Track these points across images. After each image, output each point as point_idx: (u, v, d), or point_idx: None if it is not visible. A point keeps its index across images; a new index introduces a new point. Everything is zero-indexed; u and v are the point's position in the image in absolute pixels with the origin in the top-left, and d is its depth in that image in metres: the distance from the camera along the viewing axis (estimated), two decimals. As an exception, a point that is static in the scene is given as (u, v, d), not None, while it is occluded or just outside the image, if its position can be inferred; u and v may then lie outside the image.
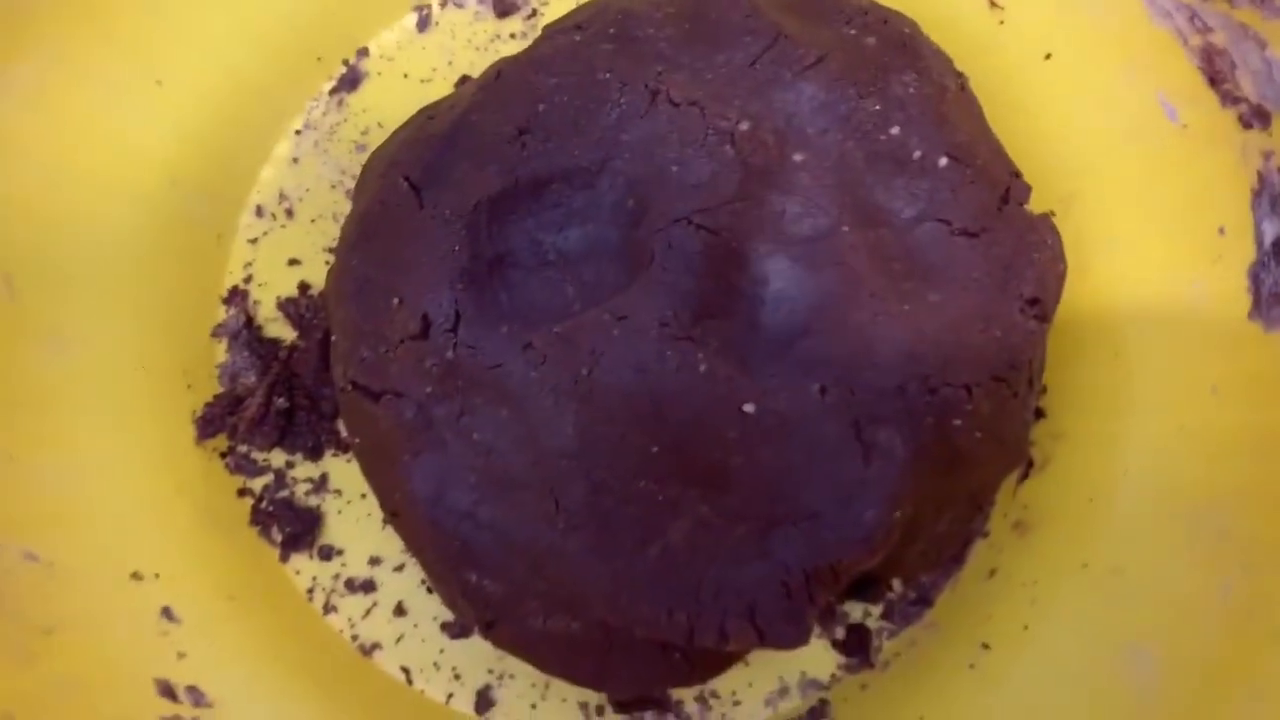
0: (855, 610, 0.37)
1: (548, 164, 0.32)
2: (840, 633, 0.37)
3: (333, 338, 0.34)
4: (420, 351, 0.32)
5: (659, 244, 0.31)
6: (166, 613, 0.34)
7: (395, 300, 0.32)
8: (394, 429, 0.32)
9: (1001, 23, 0.38)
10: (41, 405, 0.34)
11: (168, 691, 0.32)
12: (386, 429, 0.33)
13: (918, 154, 0.33)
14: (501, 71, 0.34)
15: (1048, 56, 0.37)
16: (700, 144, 0.32)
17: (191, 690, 0.33)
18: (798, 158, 0.32)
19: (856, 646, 0.36)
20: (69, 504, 0.33)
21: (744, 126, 0.32)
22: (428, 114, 0.35)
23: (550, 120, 0.32)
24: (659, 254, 0.31)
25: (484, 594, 0.32)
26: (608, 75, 0.32)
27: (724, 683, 0.36)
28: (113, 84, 0.36)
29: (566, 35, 0.34)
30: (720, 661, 0.34)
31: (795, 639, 0.31)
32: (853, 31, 0.34)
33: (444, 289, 0.32)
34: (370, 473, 0.34)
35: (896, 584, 0.37)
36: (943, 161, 0.33)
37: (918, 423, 0.30)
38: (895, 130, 0.33)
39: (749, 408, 0.30)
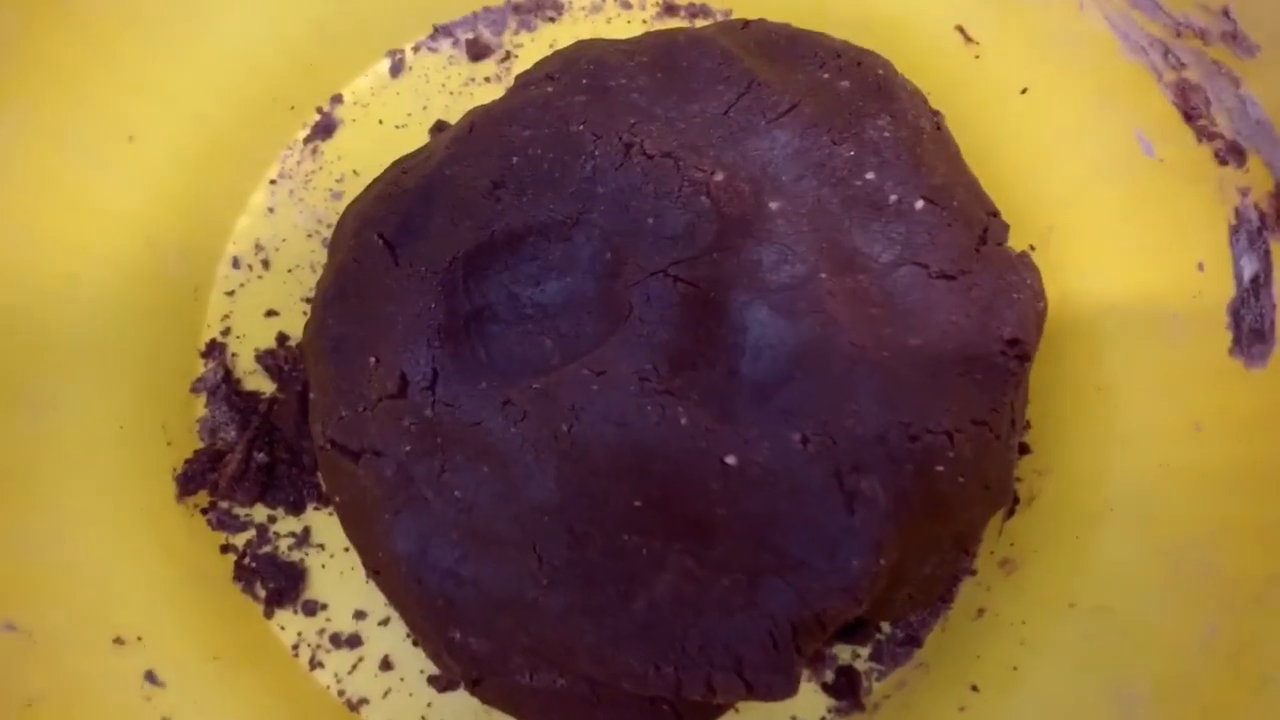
0: (844, 652, 0.37)
1: (523, 218, 0.32)
2: (829, 675, 0.36)
3: (311, 395, 0.34)
4: (398, 410, 0.32)
5: (637, 297, 0.31)
6: (150, 677, 0.33)
7: (372, 359, 0.32)
8: (374, 487, 0.32)
9: (977, 57, 0.38)
10: (20, 471, 0.33)
11: (153, 758, 0.32)
12: (367, 487, 0.32)
13: (894, 198, 0.32)
14: (474, 124, 0.34)
15: (1024, 91, 0.37)
16: (676, 195, 0.32)
17: (177, 756, 0.32)
18: (774, 205, 0.32)
19: (846, 689, 0.36)
20: (49, 571, 0.33)
21: (719, 177, 0.32)
22: (401, 168, 0.34)
23: (524, 173, 0.32)
24: (637, 307, 0.31)
25: (469, 651, 0.32)
26: (581, 127, 0.32)
27: (714, 730, 0.36)
28: (84, 145, 0.36)
29: (539, 86, 0.33)
30: (709, 712, 0.34)
31: (784, 690, 0.31)
32: (826, 75, 0.34)
33: (421, 347, 0.32)
34: (351, 530, 0.34)
35: (885, 625, 0.37)
36: (919, 204, 0.32)
37: (899, 470, 0.30)
38: (870, 175, 0.32)
39: (731, 459, 0.30)
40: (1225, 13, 0.31)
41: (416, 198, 0.33)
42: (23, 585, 0.32)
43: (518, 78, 0.35)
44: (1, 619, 0.31)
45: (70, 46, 0.35)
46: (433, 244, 0.32)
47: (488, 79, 0.41)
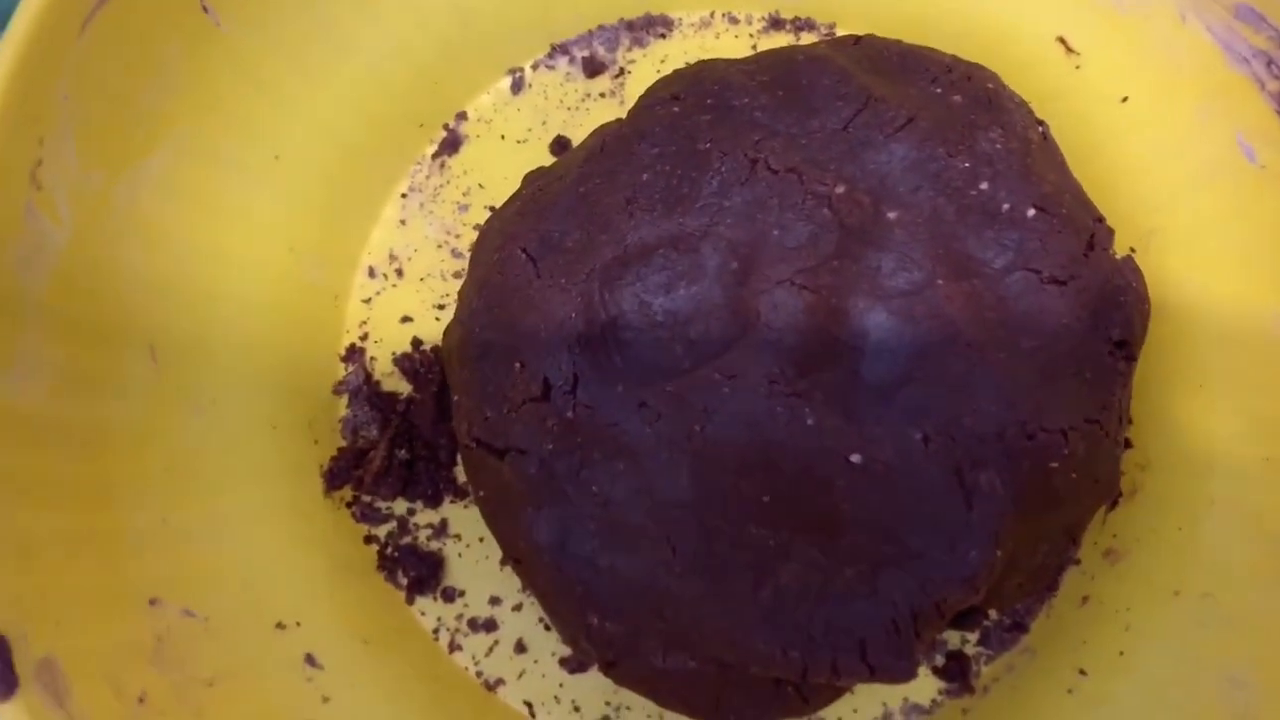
0: (953, 637, 0.38)
1: (654, 231, 0.34)
2: (940, 659, 0.38)
3: (455, 397, 0.36)
4: (542, 412, 0.34)
5: (764, 304, 0.33)
6: (310, 659, 0.36)
7: (517, 365, 0.34)
8: (517, 482, 0.34)
9: (1078, 67, 0.39)
10: (188, 468, 0.36)
11: (318, 734, 0.35)
12: (510, 482, 0.35)
13: (1006, 206, 0.34)
14: (605, 142, 0.36)
15: (1124, 99, 0.38)
16: (799, 208, 0.33)
17: (338, 732, 0.35)
18: (892, 215, 0.34)
19: (956, 672, 0.38)
20: (216, 561, 0.36)
21: (840, 190, 0.33)
22: (539, 185, 0.37)
23: (655, 189, 0.34)
24: (764, 314, 0.33)
25: (606, 635, 0.34)
26: (708, 145, 0.34)
27: (831, 710, 0.38)
28: (236, 163, 0.38)
29: (665, 106, 0.35)
30: (831, 693, 0.36)
31: (905, 674, 0.32)
32: (939, 90, 0.35)
33: (562, 354, 0.34)
34: (494, 522, 0.36)
35: (993, 612, 0.38)
36: (1030, 213, 0.34)
37: (1017, 466, 0.32)
38: (984, 185, 0.34)
39: (855, 458, 0.32)
40: (1331, 25, 0.32)
41: (556, 214, 0.35)
42: (194, 574, 0.35)
43: (641, 98, 0.37)
44: (181, 606, 0.34)
45: (224, 73, 0.37)
46: (571, 257, 0.34)
47: (603, 94, 0.43)
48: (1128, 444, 0.38)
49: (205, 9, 0.35)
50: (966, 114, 0.35)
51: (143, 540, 0.34)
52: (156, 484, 0.35)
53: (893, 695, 0.38)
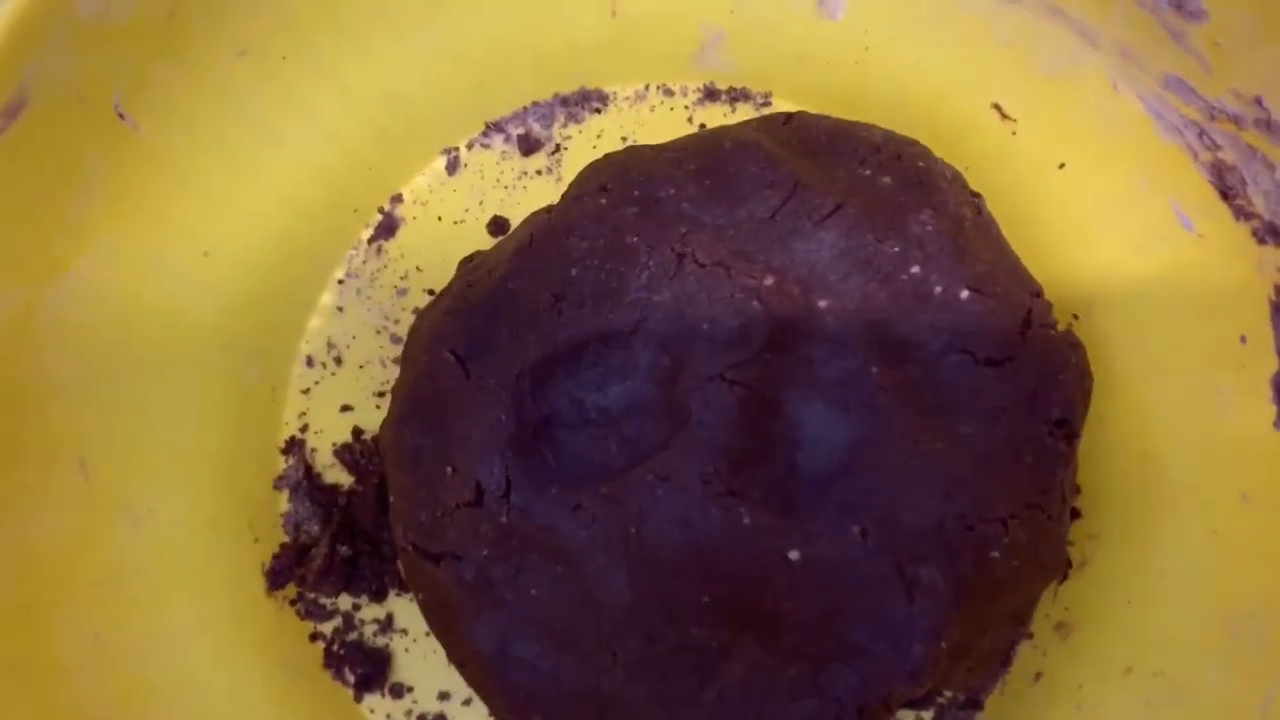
0: (907, 717, 0.38)
1: (584, 328, 0.34)
2: (895, 740, 0.38)
3: (391, 499, 0.36)
4: (475, 517, 0.33)
5: (695, 401, 0.32)
6: (252, 770, 0.36)
7: (449, 469, 0.34)
8: (455, 588, 0.34)
9: (1014, 134, 0.39)
10: (122, 582, 0.35)
11: None
12: (448, 588, 0.34)
13: (939, 289, 0.33)
14: (534, 236, 0.35)
15: (1061, 165, 0.38)
16: (728, 301, 0.33)
17: (283, 845, 0.35)
18: (823, 304, 0.33)
19: (911, 754, 0.38)
20: (155, 678, 0.35)
21: (769, 281, 0.33)
22: (466, 280, 0.36)
23: (584, 285, 0.34)
24: (695, 411, 0.32)
25: (552, 739, 0.34)
26: (635, 239, 0.34)
27: (786, 798, 0.37)
28: (164, 264, 0.37)
29: (593, 198, 0.35)
30: (781, 790, 0.35)
31: (852, 772, 0.32)
32: (868, 171, 0.35)
33: (494, 457, 0.33)
34: (435, 625, 0.36)
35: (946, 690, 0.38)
36: (964, 294, 0.33)
37: (956, 558, 0.32)
38: (915, 269, 0.33)
39: (794, 554, 0.32)
40: (1258, 101, 0.32)
41: (484, 313, 0.34)
42: (131, 694, 0.34)
43: (570, 186, 0.36)
44: (112, 729, 0.33)
45: (146, 175, 0.36)
46: (500, 357, 0.34)
47: (539, 172, 0.43)
48: (1076, 514, 0.38)
49: (121, 115, 0.34)
50: (896, 196, 0.34)
51: (74, 663, 0.33)
52: (87, 602, 0.34)
53: (848, 779, 0.37)
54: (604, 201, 0.35)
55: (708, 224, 0.34)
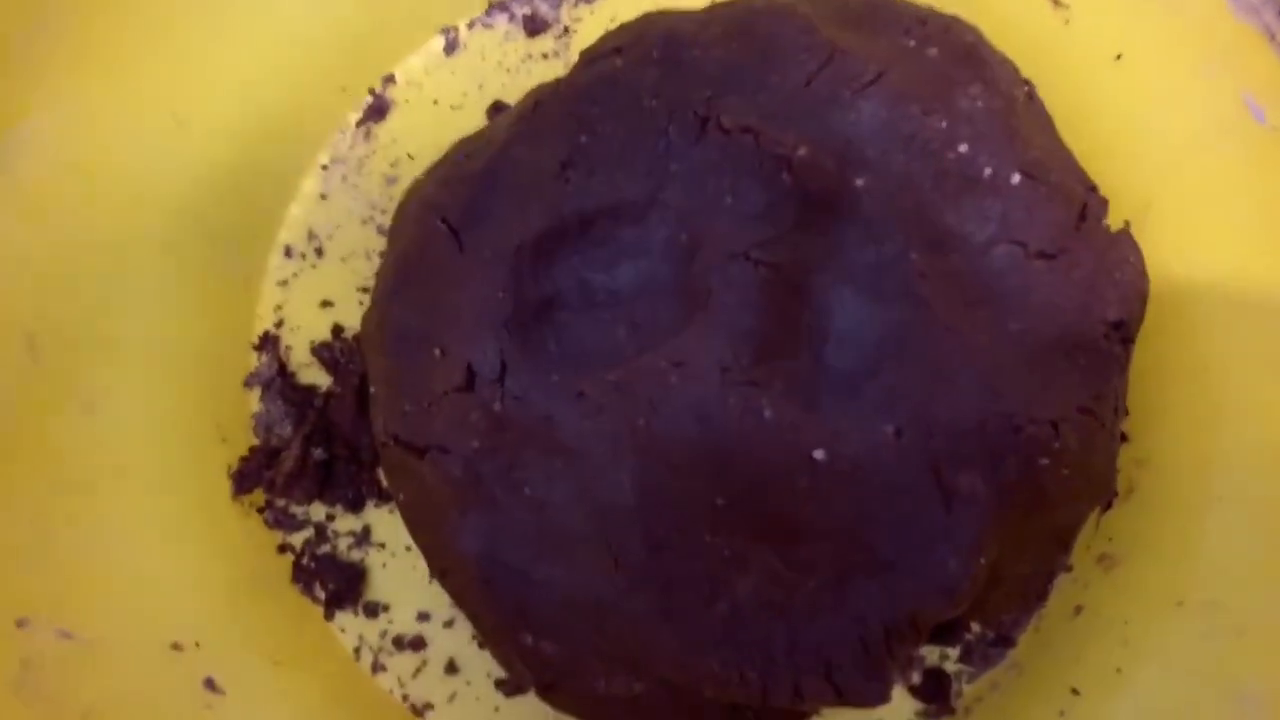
0: (932, 653, 0.35)
1: (594, 199, 0.30)
2: (916, 678, 0.35)
3: (371, 389, 0.33)
4: (465, 404, 0.30)
5: (715, 281, 0.29)
6: (209, 684, 0.32)
7: (437, 351, 0.30)
8: (440, 485, 0.31)
9: (1067, 22, 0.36)
10: (71, 473, 0.32)
11: (215, 769, 0.31)
12: (432, 485, 0.31)
13: (988, 172, 0.30)
14: (540, 102, 0.32)
15: (1118, 57, 0.35)
16: (755, 173, 0.30)
17: (239, 766, 0.31)
18: (860, 182, 0.30)
19: (935, 692, 0.35)
20: (103, 575, 0.32)
21: (801, 152, 0.30)
22: (464, 150, 0.33)
23: (594, 152, 0.31)
24: (716, 292, 0.29)
25: (541, 655, 0.31)
26: (654, 102, 0.31)
27: (796, 736, 0.34)
28: (132, 129, 0.34)
29: (606, 60, 0.32)
30: (793, 718, 0.32)
31: (876, 697, 0.30)
32: (912, 43, 0.32)
33: (488, 337, 0.30)
34: (416, 530, 0.33)
35: (975, 624, 0.35)
36: (1015, 179, 0.30)
37: (1001, 463, 0.29)
38: (963, 148, 0.30)
39: (819, 454, 0.29)
40: (1351, -35, 0.29)
41: (481, 181, 0.31)
42: (77, 591, 0.31)
43: (582, 53, 0.33)
44: (55, 626, 0.30)
45: (120, 27, 0.33)
46: (499, 229, 0.31)
47: (545, 55, 0.39)
48: (1124, 437, 0.35)
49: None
50: (943, 68, 0.31)
51: (11, 551, 0.30)
52: (29, 491, 0.31)
53: (865, 718, 0.34)
54: (619, 63, 0.32)
55: (735, 88, 0.31)
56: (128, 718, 0.30)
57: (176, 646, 0.32)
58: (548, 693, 0.32)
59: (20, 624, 0.29)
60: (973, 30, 0.33)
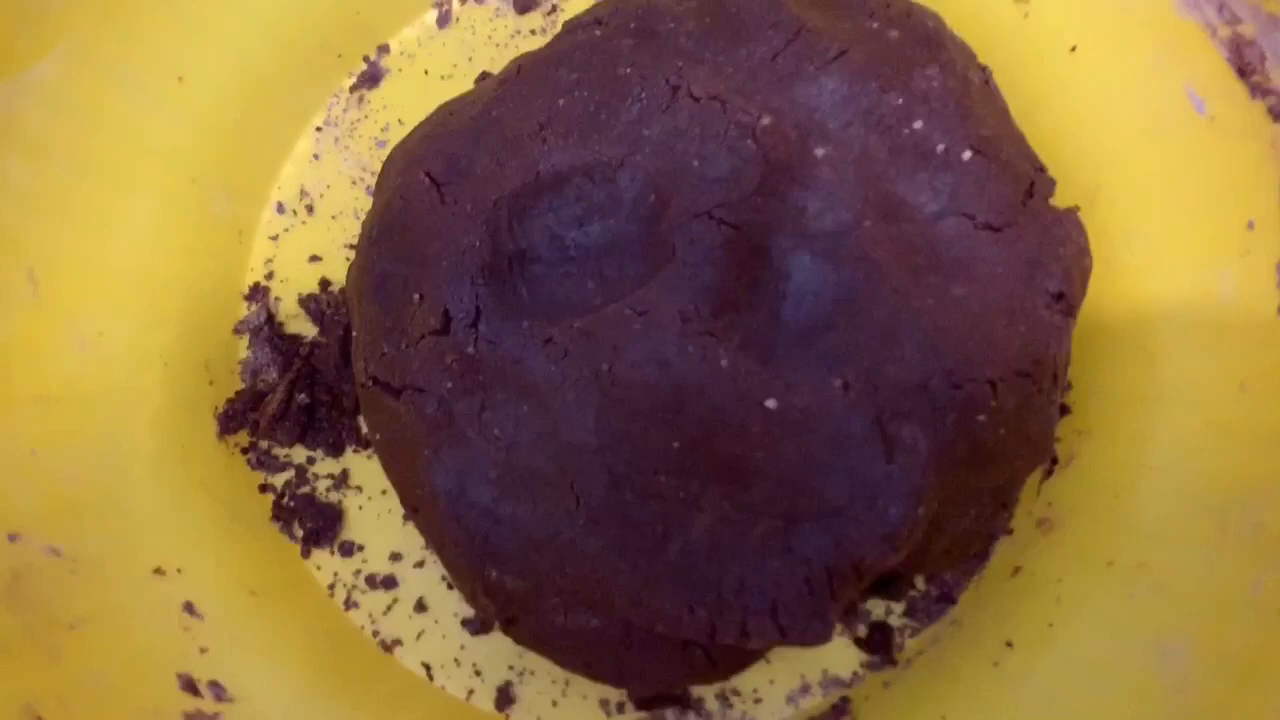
0: (878, 608, 0.37)
1: (568, 159, 0.32)
2: (862, 630, 0.36)
3: (353, 333, 0.34)
4: (441, 347, 0.32)
5: (680, 238, 0.31)
6: (189, 608, 0.34)
7: (416, 296, 0.32)
8: (415, 424, 0.32)
9: (1026, 15, 0.38)
10: (64, 400, 0.34)
11: (190, 686, 0.32)
12: (408, 424, 0.33)
13: (941, 147, 0.32)
14: (522, 67, 0.34)
15: (1073, 49, 0.37)
16: (721, 139, 0.31)
17: (213, 685, 0.33)
18: (820, 152, 0.32)
19: (879, 644, 0.36)
20: (91, 499, 0.33)
21: (765, 121, 0.31)
22: (449, 110, 0.35)
23: (571, 115, 0.32)
24: (680, 248, 0.31)
25: (504, 590, 0.32)
26: (628, 70, 0.32)
27: (745, 680, 0.36)
28: (134, 81, 0.36)
29: (587, 30, 0.34)
30: (742, 658, 0.34)
31: (818, 636, 0.31)
32: (875, 25, 0.34)
33: (465, 284, 0.32)
34: (391, 468, 0.34)
35: (919, 581, 0.37)
36: (966, 155, 0.32)
37: (941, 418, 0.30)
38: (918, 124, 0.32)
39: (771, 403, 0.30)
40: (1284, -36, 0.31)
41: (464, 137, 0.33)
42: (65, 511, 0.33)
43: (565, 24, 0.35)
44: (44, 543, 0.32)
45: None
46: (479, 183, 0.32)
47: (533, 31, 0.41)
48: (1066, 410, 0.37)
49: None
50: (903, 50, 0.33)
51: (7, 469, 0.31)
52: (26, 414, 0.33)
53: (812, 666, 0.36)
54: (598, 33, 0.33)
55: (706, 60, 0.33)
56: (111, 632, 0.32)
57: (159, 571, 0.34)
58: (510, 626, 0.33)
59: (12, 538, 0.31)
60: (934, 16, 0.35)
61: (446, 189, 0.33)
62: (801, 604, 0.31)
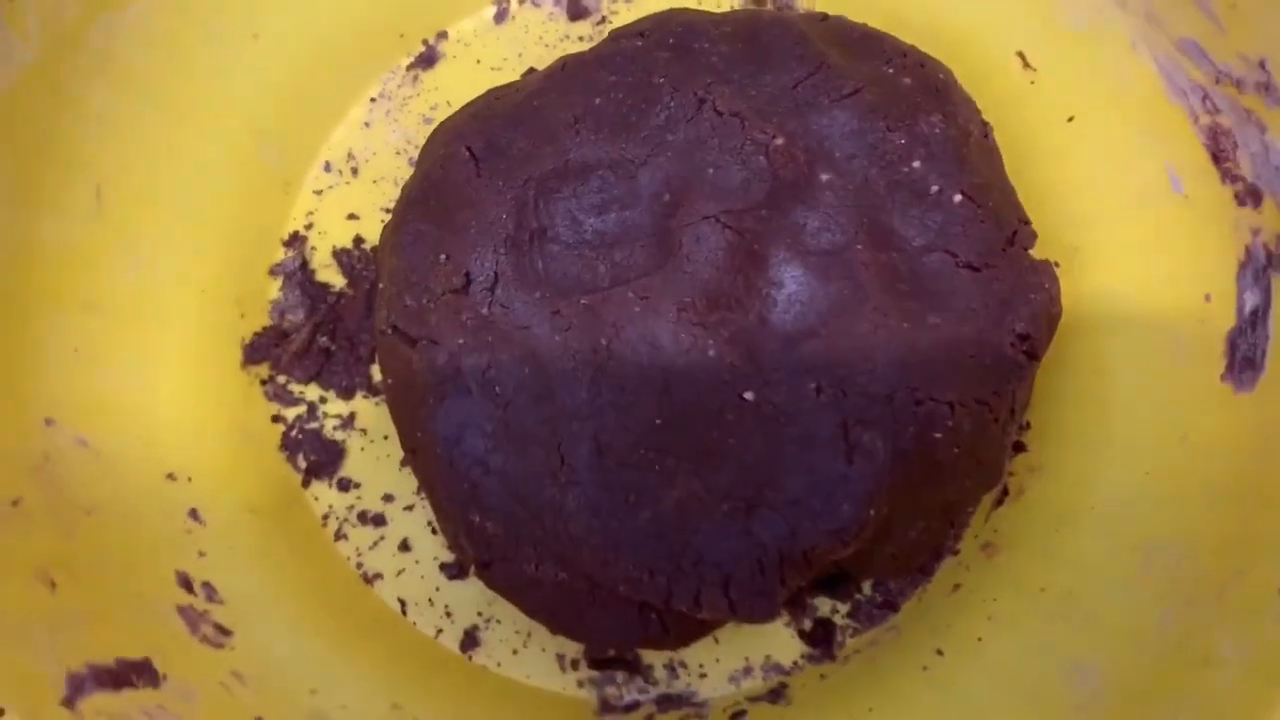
0: (824, 606, 0.39)
1: (597, 152, 0.35)
2: (808, 624, 0.39)
3: (379, 285, 0.37)
4: (459, 305, 0.35)
5: (687, 236, 0.34)
6: (193, 514, 0.37)
7: (443, 256, 0.35)
8: (424, 372, 0.35)
9: (1032, 83, 0.41)
10: (111, 310, 0.37)
11: (185, 583, 0.35)
12: (418, 372, 0.35)
13: (935, 189, 0.35)
14: (566, 64, 0.37)
15: (1070, 118, 0.40)
16: (738, 152, 0.35)
17: (206, 586, 0.35)
18: (824, 177, 0.35)
19: (821, 639, 0.39)
20: (121, 400, 0.36)
21: (779, 141, 0.35)
22: (495, 94, 0.38)
23: (605, 113, 0.36)
24: (686, 245, 0.34)
25: (485, 535, 0.35)
26: (662, 80, 0.36)
27: (693, 654, 0.38)
28: (216, 31, 0.39)
29: (630, 40, 0.37)
30: (693, 631, 0.36)
31: (763, 614, 0.33)
32: (891, 70, 0.37)
33: (488, 251, 0.35)
34: (397, 411, 0.37)
35: (866, 586, 0.39)
36: (957, 198, 0.35)
37: (901, 430, 0.33)
38: (917, 164, 0.35)
39: (749, 395, 0.33)
40: (1262, 64, 0.34)
41: (506, 120, 0.36)
42: (95, 407, 0.36)
43: (612, 32, 0.38)
44: (75, 433, 0.35)
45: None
46: (513, 162, 0.36)
47: (581, 38, 0.45)
48: (1023, 447, 0.39)
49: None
50: (913, 96, 0.36)
51: (51, 362, 0.34)
52: (74, 317, 0.36)
53: (756, 651, 0.39)
54: (639, 43, 0.37)
55: (734, 80, 0.36)
56: (121, 522, 0.34)
57: (171, 476, 0.37)
58: (484, 570, 0.36)
59: (48, 422, 0.34)
60: (946, 71, 0.38)
61: (484, 164, 0.36)
62: (752, 582, 0.33)
